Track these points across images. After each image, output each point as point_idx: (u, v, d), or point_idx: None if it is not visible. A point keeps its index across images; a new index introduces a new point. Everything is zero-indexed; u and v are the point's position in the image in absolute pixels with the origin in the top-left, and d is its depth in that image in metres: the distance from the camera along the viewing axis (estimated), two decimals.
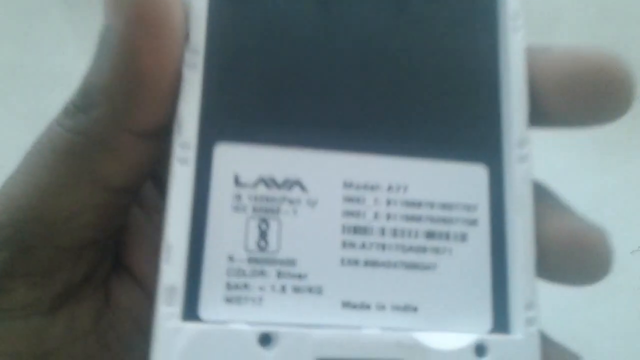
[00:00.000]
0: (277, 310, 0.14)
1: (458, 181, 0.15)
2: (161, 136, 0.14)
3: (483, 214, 0.15)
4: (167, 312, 0.13)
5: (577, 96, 0.15)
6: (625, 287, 0.42)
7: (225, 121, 0.14)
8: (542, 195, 0.15)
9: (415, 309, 0.14)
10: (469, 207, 0.15)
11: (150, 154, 0.15)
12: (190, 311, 0.13)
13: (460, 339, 0.14)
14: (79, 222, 0.14)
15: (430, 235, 0.15)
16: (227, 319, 0.13)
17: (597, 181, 0.47)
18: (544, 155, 0.52)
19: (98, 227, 0.15)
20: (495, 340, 0.14)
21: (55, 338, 0.15)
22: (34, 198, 0.14)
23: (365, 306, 0.14)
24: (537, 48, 0.16)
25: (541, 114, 0.16)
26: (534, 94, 0.15)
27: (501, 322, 0.14)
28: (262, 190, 0.14)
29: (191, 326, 0.13)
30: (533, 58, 0.16)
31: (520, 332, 0.14)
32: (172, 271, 0.13)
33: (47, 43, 0.46)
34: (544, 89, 0.15)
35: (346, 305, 0.14)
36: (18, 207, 0.14)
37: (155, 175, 0.17)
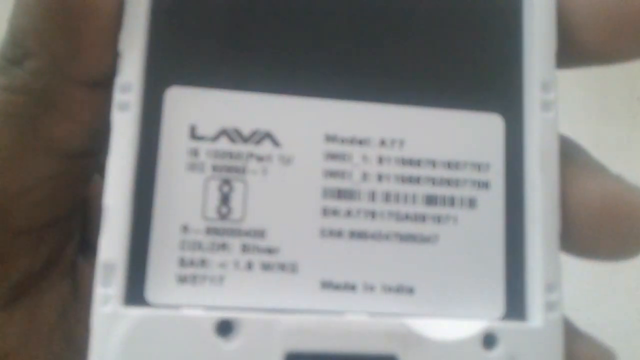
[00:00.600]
0: (241, 292, 0.11)
1: (466, 134, 0.12)
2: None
3: (497, 175, 0.12)
4: (104, 295, 0.11)
5: (619, 24, 0.12)
6: (626, 287, 0.41)
7: (179, 60, 0.12)
8: (569, 152, 0.13)
9: (411, 291, 0.12)
10: (480, 166, 0.12)
11: (104, 109, 0.12)
12: (135, 293, 0.11)
13: (464, 327, 0.11)
14: (33, 198, 0.12)
15: (431, 200, 0.12)
16: (180, 302, 0.11)
17: None
18: None
19: (57, 203, 0.12)
20: (508, 328, 0.12)
21: (15, 336, 0.13)
22: None
23: (349, 287, 0.12)
24: None
25: (572, 51, 0.13)
26: (565, 24, 0.13)
27: (516, 306, 0.12)
28: (224, 144, 0.12)
29: (134, 311, 0.11)
30: None
31: (538, 319, 0.12)
32: (111, 244, 0.11)
33: None
34: (577, 20, 0.12)
35: (326, 285, 0.11)
36: None
37: None
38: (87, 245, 0.14)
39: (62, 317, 0.13)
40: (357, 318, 0.11)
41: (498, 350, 0.11)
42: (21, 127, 0.12)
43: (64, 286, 0.13)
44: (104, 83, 0.12)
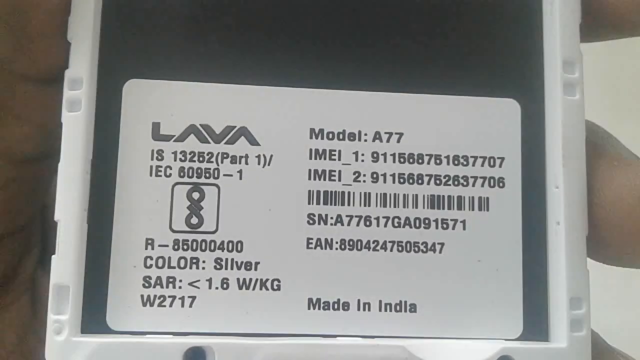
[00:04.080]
0: (214, 315, 0.10)
1: (476, 124, 0.10)
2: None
3: (512, 170, 0.11)
4: (58, 321, 0.09)
5: None
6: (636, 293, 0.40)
7: (137, 50, 0.10)
8: (598, 141, 0.11)
9: (413, 308, 0.10)
10: (493, 161, 0.10)
11: (59, 108, 0.10)
12: (94, 319, 0.10)
13: (476, 349, 0.10)
14: None
15: (435, 202, 0.10)
16: (145, 328, 0.10)
17: None
18: None
19: (12, 212, 0.11)
20: (528, 350, 0.10)
21: None
22: None
23: (341, 306, 0.10)
24: None
25: (606, 20, 0.11)
26: None
27: (536, 325, 0.10)
28: (192, 144, 0.10)
29: (93, 339, 0.09)
30: None
31: (563, 339, 0.10)
32: (63, 264, 0.09)
33: None
34: None
35: (314, 304, 0.10)
36: None
37: None
38: (48, 256, 0.12)
39: (22, 337, 0.12)
40: (350, 342, 0.10)
41: None
42: None
43: (23, 302, 0.12)
44: (56, 80, 0.10)
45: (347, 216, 0.10)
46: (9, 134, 0.10)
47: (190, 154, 0.10)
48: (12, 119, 0.10)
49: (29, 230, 0.12)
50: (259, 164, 0.10)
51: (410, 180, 0.10)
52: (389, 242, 0.10)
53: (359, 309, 0.10)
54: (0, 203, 0.11)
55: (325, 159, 0.10)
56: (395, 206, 0.10)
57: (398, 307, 0.10)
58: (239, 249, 0.10)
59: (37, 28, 0.10)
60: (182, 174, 0.10)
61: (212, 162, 0.10)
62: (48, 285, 0.12)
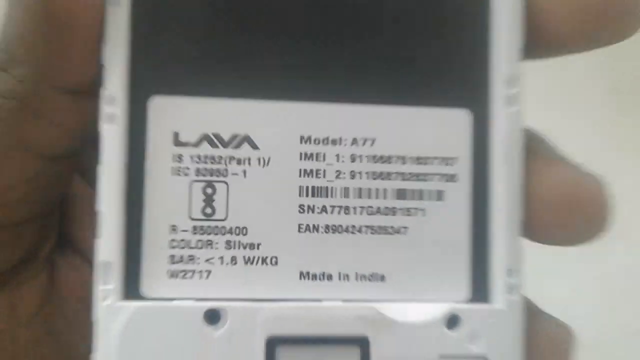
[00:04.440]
0: (226, 285, 0.12)
1: (435, 130, 0.13)
2: (95, 91, 0.13)
3: (464, 168, 0.13)
4: (104, 290, 0.12)
5: (587, 12, 0.13)
6: (636, 292, 0.42)
7: (160, 71, 0.12)
8: (533, 143, 0.13)
9: (382, 278, 0.13)
10: (448, 161, 0.13)
11: (87, 114, 0.13)
12: (131, 288, 0.12)
13: (430, 310, 0.13)
14: (13, 196, 0.13)
15: (401, 194, 0.13)
16: (171, 295, 0.12)
17: (613, 183, 0.46)
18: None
19: (35, 201, 0.13)
20: (471, 309, 0.13)
21: None
22: None
23: (326, 276, 0.13)
24: None
25: (543, 40, 0.13)
26: (535, 18, 0.13)
27: (480, 290, 0.13)
28: (206, 149, 0.12)
29: (131, 304, 0.12)
30: None
31: (500, 301, 0.13)
32: (107, 245, 0.12)
33: None
34: (547, 9, 0.13)
35: (305, 276, 0.13)
36: None
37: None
38: (65, 241, 0.15)
39: (41, 306, 0.14)
40: (332, 304, 0.12)
41: (460, 330, 0.13)
42: (4, 129, 0.12)
43: (42, 279, 0.14)
44: (85, 91, 0.12)
45: (330, 206, 0.13)
46: (41, 135, 0.13)
47: (204, 157, 0.12)
48: (43, 122, 0.13)
49: (49, 218, 0.14)
50: (259, 164, 0.13)
51: (381, 177, 0.13)
52: (364, 226, 0.13)
53: (339, 279, 0.13)
54: (26, 193, 0.13)
55: (312, 160, 0.13)
56: (369, 198, 0.13)
57: (370, 278, 0.13)
58: (244, 233, 0.13)
59: (74, 48, 0.12)
60: (197, 173, 0.12)
61: (221, 163, 0.12)
62: (63, 266, 0.14)
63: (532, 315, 0.13)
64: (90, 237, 0.14)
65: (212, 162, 0.12)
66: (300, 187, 0.13)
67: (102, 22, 0.12)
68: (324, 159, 0.13)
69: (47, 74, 0.12)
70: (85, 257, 0.14)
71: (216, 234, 0.12)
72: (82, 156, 0.14)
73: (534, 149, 0.13)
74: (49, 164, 0.13)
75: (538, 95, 0.44)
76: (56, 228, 0.15)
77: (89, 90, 0.12)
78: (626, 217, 0.46)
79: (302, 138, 0.13)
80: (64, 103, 0.12)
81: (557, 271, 0.43)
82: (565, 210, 0.13)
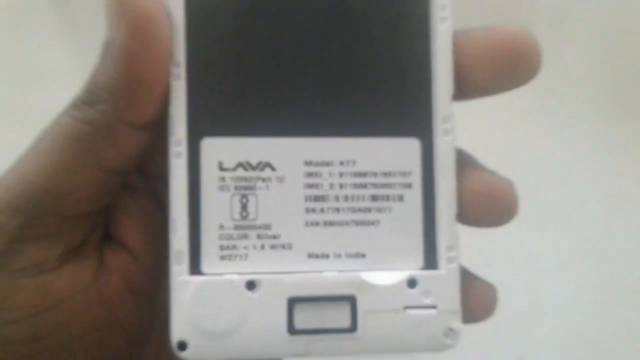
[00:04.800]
0: (258, 263, 0.18)
1: (396, 153, 0.19)
2: (151, 129, 0.18)
3: (416, 179, 0.19)
4: (178, 270, 0.18)
5: (497, 66, 0.19)
6: (637, 293, 0.45)
7: (208, 120, 0.18)
8: (463, 159, 0.19)
9: (363, 255, 0.19)
10: (405, 174, 0.19)
11: (141, 144, 0.18)
12: (195, 268, 0.18)
13: (396, 275, 0.19)
14: (79, 195, 0.18)
15: (374, 198, 0.19)
16: (222, 271, 0.18)
17: (610, 181, 0.47)
18: (554, 155, 0.48)
19: (93, 201, 0.18)
20: (424, 274, 0.19)
21: (61, 291, 0.18)
22: (44, 175, 0.17)
23: (325, 256, 0.19)
24: (459, 31, 0.19)
25: (468, 87, 0.19)
26: (461, 71, 0.19)
27: (430, 261, 0.19)
28: (240, 172, 0.18)
29: (196, 278, 0.18)
30: (458, 41, 0.19)
31: (443, 268, 0.19)
32: (178, 240, 0.18)
33: (36, 38, 0.48)
34: (469, 65, 0.19)
35: (311, 256, 0.19)
36: (30, 182, 0.18)
37: (141, 165, 0.20)
38: (108, 235, 0.20)
39: (94, 280, 0.19)
40: (330, 274, 0.18)
41: (417, 289, 0.19)
42: (82, 148, 0.17)
43: (94, 259, 0.19)
44: (143, 127, 0.18)
45: (327, 208, 0.19)
46: (105, 154, 0.18)
47: (239, 178, 0.18)
48: (110, 146, 0.18)
49: (100, 216, 0.19)
50: (277, 181, 0.19)
51: (361, 187, 0.19)
52: (350, 221, 0.19)
53: (334, 257, 0.19)
54: (88, 194, 0.18)
55: (313, 177, 0.19)
56: (352, 201, 0.19)
57: (355, 255, 0.19)
58: (269, 228, 0.18)
59: (145, 99, 0.17)
60: (235, 189, 0.18)
61: (251, 181, 0.18)
62: (109, 253, 0.20)
63: (467, 279, 0.19)
64: (129, 234, 0.19)
65: (245, 181, 0.18)
66: (305, 195, 0.19)
67: (166, 84, 0.18)
68: (321, 176, 0.19)
69: (121, 113, 0.17)
70: (126, 249, 0.20)
71: (250, 229, 0.18)
72: (131, 174, 0.20)
73: (464, 162, 0.19)
74: (107, 176, 0.18)
75: (539, 95, 0.45)
76: (103, 224, 0.19)
77: (147, 128, 0.18)
78: (627, 216, 0.47)
79: (305, 162, 0.19)
80: (128, 134, 0.18)
81: (557, 271, 0.45)
82: (485, 202, 0.19)
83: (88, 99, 0.18)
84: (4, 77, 0.47)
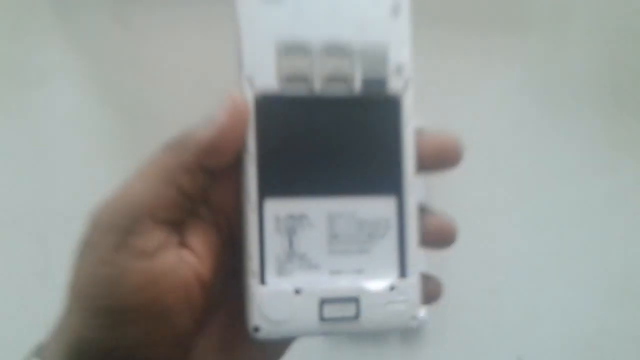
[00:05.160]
0: (300, 277, 0.29)
1: (381, 206, 0.31)
2: (216, 173, 0.29)
3: (393, 222, 0.31)
4: (253, 282, 0.29)
5: (436, 157, 0.31)
6: (637, 292, 0.46)
7: (268, 187, 0.29)
8: (422, 207, 0.32)
9: (363, 271, 0.30)
10: (387, 220, 0.31)
11: (207, 182, 0.29)
12: (262, 281, 0.29)
13: (382, 283, 0.30)
14: (165, 207, 0.27)
15: (369, 235, 0.31)
16: (279, 282, 0.29)
17: (610, 180, 0.48)
18: (555, 155, 0.49)
19: (173, 213, 0.28)
20: (399, 282, 0.31)
21: (156, 273, 0.27)
22: (144, 196, 0.27)
23: (340, 272, 0.30)
24: (418, 131, 0.31)
25: (419, 167, 0.32)
26: (418, 157, 0.31)
27: (403, 273, 0.31)
28: (289, 221, 0.29)
29: (263, 287, 0.29)
30: (418, 137, 0.31)
31: (411, 277, 0.31)
32: (253, 264, 0.29)
33: (36, 38, 0.49)
34: (421, 154, 0.31)
35: (331, 272, 0.30)
36: (133, 202, 0.27)
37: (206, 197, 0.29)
38: (183, 243, 0.29)
39: (175, 268, 0.28)
40: (343, 283, 0.30)
41: (395, 291, 0.31)
42: (170, 176, 0.28)
43: (173, 255, 0.28)
44: (211, 171, 0.29)
45: (341, 242, 0.30)
46: (186, 185, 0.28)
47: (287, 224, 0.29)
48: (189, 180, 0.28)
49: (176, 225, 0.28)
50: (310, 226, 0.30)
51: (360, 229, 0.30)
52: (354, 249, 0.30)
53: (346, 273, 0.30)
54: (170, 208, 0.28)
55: (332, 222, 0.30)
56: (356, 237, 0.30)
57: (358, 271, 0.30)
58: (306, 255, 0.30)
59: (221, 156, 0.29)
60: (285, 231, 0.29)
61: (294, 226, 0.29)
62: (184, 253, 0.30)
63: (426, 213, 0.32)
64: (196, 242, 0.30)
65: (291, 226, 0.29)
66: (328, 234, 0.30)
67: (235, 156, 0.29)
68: (337, 222, 0.30)
69: (203, 159, 0.28)
70: (193, 252, 0.29)
71: (294, 257, 0.29)
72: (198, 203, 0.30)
73: (422, 209, 0.32)
74: (184, 199, 0.28)
75: (539, 95, 0.48)
76: (179, 232, 0.29)
77: (213, 172, 0.29)
78: (627, 216, 0.49)
79: (328, 213, 0.30)
80: (202, 171, 0.29)
81: (557, 271, 0.46)
82: (436, 238, 0.31)
83: (179, 144, 0.28)
84: (4, 77, 0.48)
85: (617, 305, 0.46)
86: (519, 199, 0.48)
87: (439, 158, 0.31)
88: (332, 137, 0.30)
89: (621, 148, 0.48)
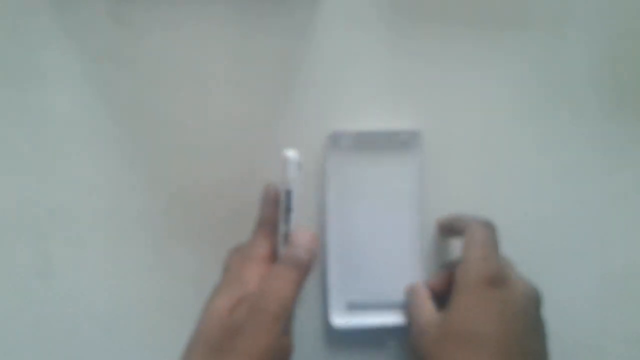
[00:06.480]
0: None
1: None
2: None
3: None
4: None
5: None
6: (637, 293, 0.45)
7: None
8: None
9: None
10: None
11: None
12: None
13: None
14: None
15: None
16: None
17: (610, 180, 0.47)
18: (554, 155, 0.48)
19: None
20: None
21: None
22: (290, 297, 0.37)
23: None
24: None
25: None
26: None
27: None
28: None
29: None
30: None
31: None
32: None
33: (36, 38, 0.48)
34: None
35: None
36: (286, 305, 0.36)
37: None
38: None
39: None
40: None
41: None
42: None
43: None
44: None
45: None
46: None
47: None
48: (297, 292, 0.37)
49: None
50: None
51: None
52: None
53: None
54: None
55: None
56: None
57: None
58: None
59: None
60: None
61: None
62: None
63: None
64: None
65: None
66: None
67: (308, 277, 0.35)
68: None
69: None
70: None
71: None
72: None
73: None
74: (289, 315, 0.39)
75: (539, 95, 0.46)
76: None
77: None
78: (627, 216, 0.46)
79: None
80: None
81: (557, 271, 0.46)
82: None
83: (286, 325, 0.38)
84: (4, 77, 0.47)
85: (617, 305, 0.45)
86: (518, 199, 0.47)
87: None
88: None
89: (621, 148, 0.48)
